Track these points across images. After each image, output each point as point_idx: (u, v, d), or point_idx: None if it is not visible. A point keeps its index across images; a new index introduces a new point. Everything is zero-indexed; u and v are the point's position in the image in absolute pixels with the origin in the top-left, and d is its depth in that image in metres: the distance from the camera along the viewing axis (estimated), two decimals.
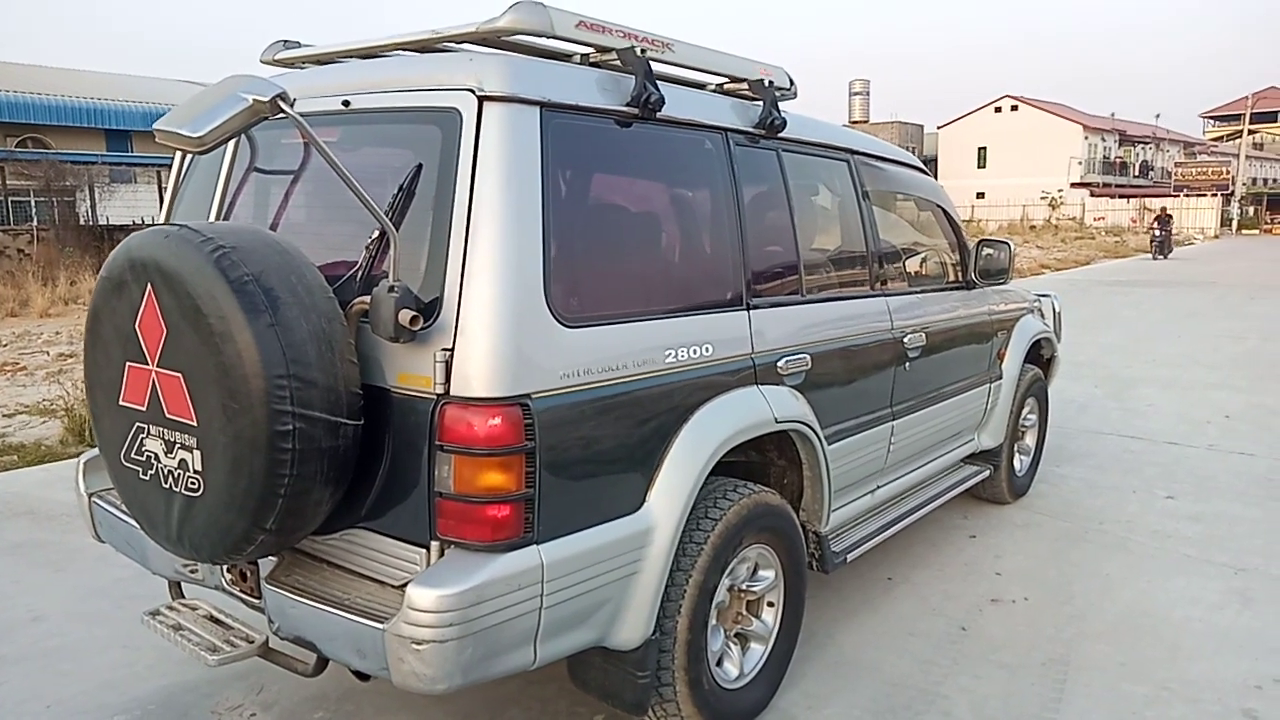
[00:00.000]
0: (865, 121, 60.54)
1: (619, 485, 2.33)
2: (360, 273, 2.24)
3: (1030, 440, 5.21)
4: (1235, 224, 48.64)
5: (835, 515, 3.33)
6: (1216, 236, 43.61)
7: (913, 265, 4.04)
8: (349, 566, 2.29)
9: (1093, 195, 50.05)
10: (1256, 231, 49.03)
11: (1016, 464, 5.03)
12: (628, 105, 2.46)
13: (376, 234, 2.20)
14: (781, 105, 3.21)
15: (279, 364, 1.92)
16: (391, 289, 2.01)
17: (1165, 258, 27.59)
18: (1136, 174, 59.88)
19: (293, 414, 1.94)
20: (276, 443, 1.93)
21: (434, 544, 2.09)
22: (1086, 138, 54.81)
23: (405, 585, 2.01)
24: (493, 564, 2.03)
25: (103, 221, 22.31)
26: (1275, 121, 74.02)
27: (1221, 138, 72.01)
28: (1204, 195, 47.19)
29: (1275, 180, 64.87)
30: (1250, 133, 55.34)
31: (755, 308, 2.83)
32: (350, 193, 2.00)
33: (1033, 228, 43.31)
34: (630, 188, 2.66)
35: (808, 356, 3.00)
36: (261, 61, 2.97)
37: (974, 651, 3.40)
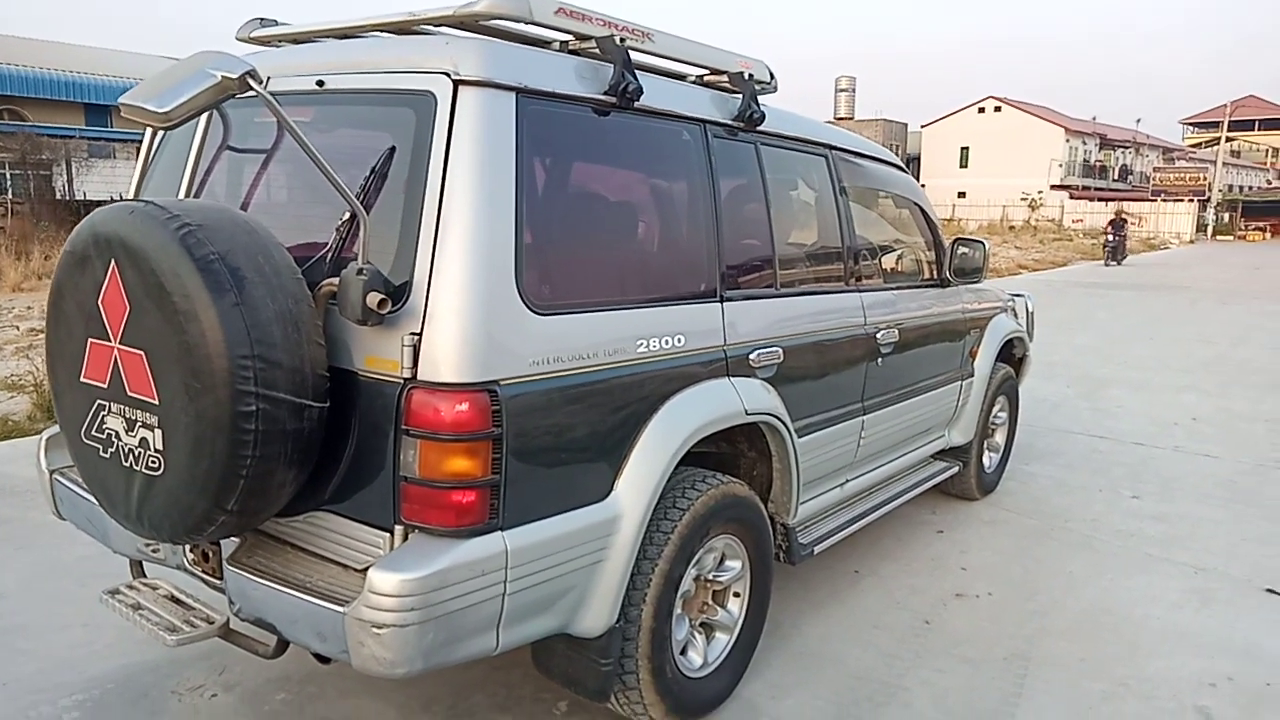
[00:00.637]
0: (850, 118, 60.63)
1: (587, 473, 2.34)
2: (330, 254, 2.22)
3: (1000, 438, 5.26)
4: (1211, 230, 49.24)
5: (804, 508, 3.35)
6: (1192, 241, 44.13)
7: (888, 262, 4.06)
8: (313, 549, 2.28)
9: (1072, 197, 50.46)
10: (1231, 238, 49.65)
11: (986, 461, 5.08)
12: (605, 94, 2.45)
13: (347, 216, 2.18)
14: (762, 99, 3.23)
15: (243, 344, 1.90)
16: (360, 271, 1.99)
17: (1119, 264, 25.69)
18: (1116, 178, 60.42)
19: (256, 395, 1.92)
20: (239, 423, 1.92)
21: (398, 528, 2.08)
22: (1068, 140, 55.22)
23: (368, 569, 2.01)
24: (456, 549, 2.03)
25: (80, 196, 21.98)
26: (1253, 130, 74.97)
27: (1200, 144, 72.80)
28: (1181, 200, 47.71)
29: (1251, 188, 65.59)
30: (1228, 140, 56.01)
31: (729, 300, 2.84)
32: (321, 174, 1.98)
33: (1012, 228, 43.64)
34: (606, 176, 2.65)
35: (780, 350, 3.01)
36: (237, 39, 2.94)
37: (937, 645, 3.43)
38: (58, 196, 21.39)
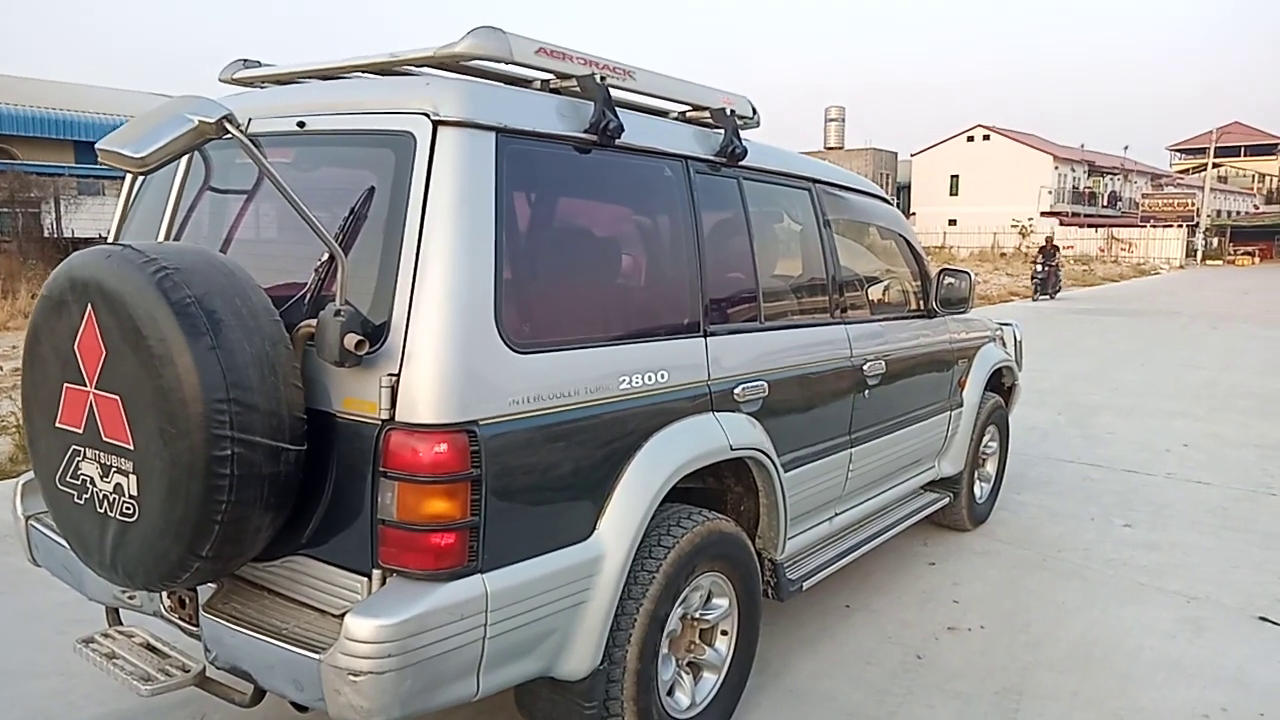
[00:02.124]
0: (840, 148, 61.09)
1: (568, 513, 2.32)
2: (309, 295, 2.21)
3: (991, 468, 5.25)
4: (1200, 254, 49.60)
5: (791, 543, 3.32)
6: (1182, 267, 44.43)
7: (874, 293, 4.07)
8: (290, 594, 2.24)
9: (1062, 224, 50.82)
10: (1220, 262, 50.01)
11: (977, 491, 5.07)
12: (586, 131, 2.46)
13: (326, 256, 2.18)
14: (745, 134, 3.25)
15: (219, 388, 1.89)
16: (338, 313, 1.98)
17: (1051, 297, 22.47)
18: (1105, 204, 60.90)
19: (232, 439, 1.90)
20: (214, 468, 1.90)
21: (376, 572, 2.05)
22: (1056, 167, 55.74)
23: (345, 614, 1.98)
24: (435, 593, 2.00)
25: (68, 234, 21.97)
26: (1239, 156, 75.84)
27: (1187, 170, 73.56)
28: (1170, 226, 48.09)
29: (1239, 213, 66.23)
30: (1215, 166, 56.60)
31: (713, 334, 2.83)
32: (298, 215, 1.98)
33: (1003, 255, 43.95)
34: (587, 214, 2.66)
35: (765, 384, 3.00)
36: (220, 80, 2.95)
37: (929, 681, 3.40)
38: (45, 234, 21.34)
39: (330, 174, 2.40)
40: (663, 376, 2.59)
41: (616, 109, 2.51)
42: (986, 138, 57.65)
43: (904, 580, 4.36)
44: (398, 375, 2.01)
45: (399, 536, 2.02)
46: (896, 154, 61.62)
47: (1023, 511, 5.46)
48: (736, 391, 2.88)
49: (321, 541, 2.16)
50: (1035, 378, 10.13)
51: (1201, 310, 20.37)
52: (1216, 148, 55.32)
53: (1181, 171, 74.23)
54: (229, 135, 1.96)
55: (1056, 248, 22.95)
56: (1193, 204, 52.02)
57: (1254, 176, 77.59)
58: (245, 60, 2.93)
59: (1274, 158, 74.88)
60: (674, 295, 2.76)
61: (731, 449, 2.78)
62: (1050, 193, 54.81)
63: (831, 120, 62.95)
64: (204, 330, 1.90)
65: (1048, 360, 11.69)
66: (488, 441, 2.06)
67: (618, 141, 2.54)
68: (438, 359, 2.01)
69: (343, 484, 2.11)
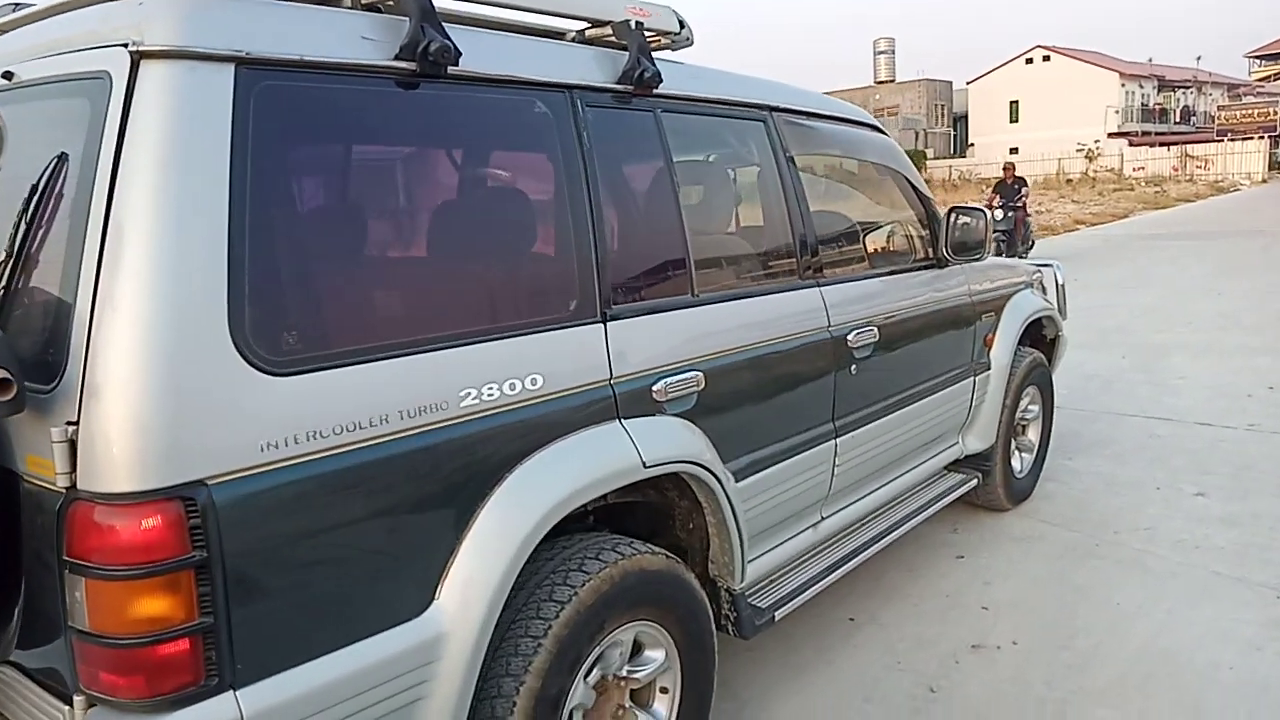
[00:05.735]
0: (891, 81, 58.70)
1: (382, 585, 1.70)
2: None
3: (1033, 435, 4.48)
4: None
5: (760, 563, 2.68)
6: (1264, 181, 41.65)
7: (860, 245, 3.33)
8: (7, 715, 1.68)
9: (1131, 145, 48.06)
10: None
11: (1016, 464, 4.32)
12: (400, 58, 1.81)
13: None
14: (678, 54, 2.57)
15: None
16: None
17: (1023, 255, 13.66)
18: (1178, 120, 57.48)
19: None
20: None
21: (78, 699, 1.46)
22: (1123, 85, 52.58)
23: None
24: None
25: None
26: None
27: (1268, 78, 68.81)
28: (1250, 139, 45.08)
29: None
30: None
31: (617, 318, 2.17)
32: None
33: (1069, 181, 41.69)
34: (402, 171, 2.01)
35: (699, 374, 2.33)
36: None
37: None
38: None
39: (31, 137, 1.77)
40: (534, 382, 1.94)
41: (443, 26, 1.85)
42: (1047, 59, 54.62)
43: (924, 581, 3.66)
44: (77, 423, 1.40)
45: (97, 652, 1.42)
46: (951, 83, 58.98)
47: (1075, 482, 4.69)
48: (656, 388, 2.22)
49: (28, 647, 1.59)
50: (1098, 315, 9.22)
51: None
52: None
53: (1261, 79, 69.49)
54: None
55: (1021, 180, 14.68)
56: (1275, 113, 48.67)
57: None
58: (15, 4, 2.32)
59: None
60: (552, 271, 2.10)
61: (646, 466, 2.13)
62: (1117, 112, 51.84)
63: (881, 53, 60.46)
64: None
65: (1112, 294, 10.70)
66: (223, 509, 1.44)
67: (452, 70, 1.88)
68: (131, 395, 1.39)
69: (34, 574, 1.52)
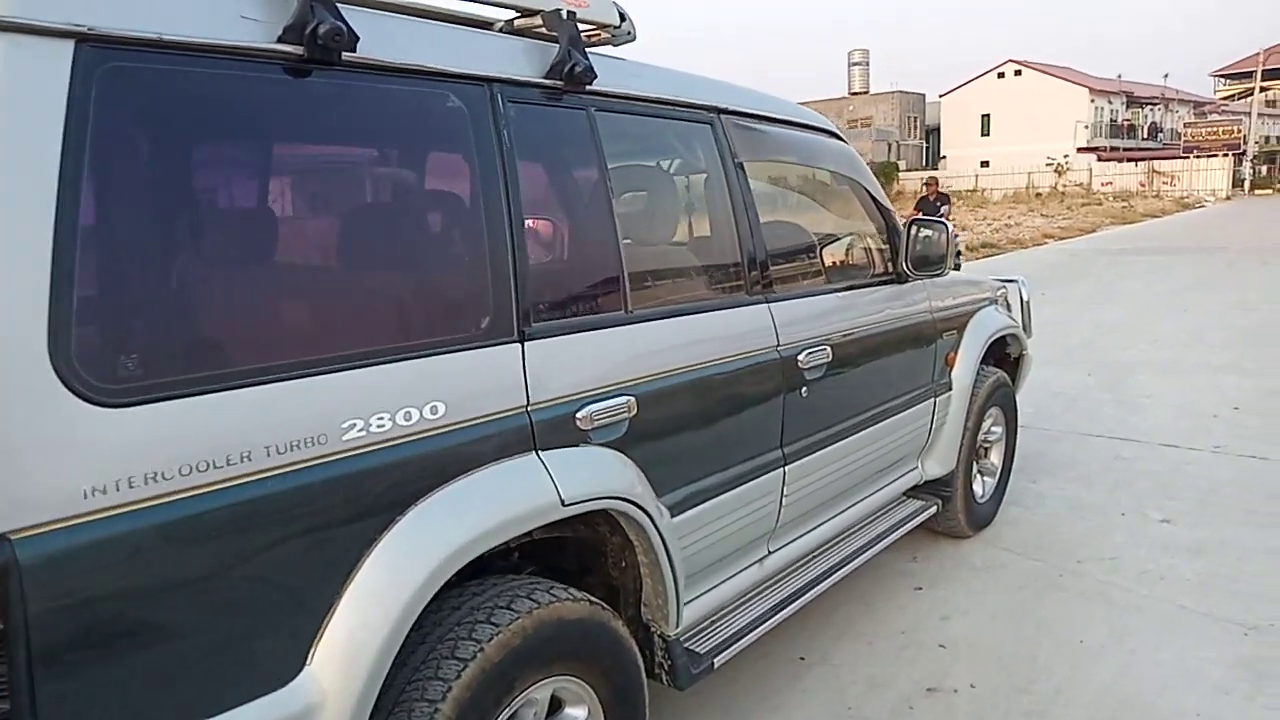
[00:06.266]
0: (865, 92, 58.99)
1: (238, 653, 1.46)
2: None
3: (995, 458, 4.31)
4: (1248, 184, 47.22)
5: (694, 607, 2.46)
6: (1228, 198, 42.26)
7: (814, 259, 3.14)
8: None
9: (1100, 160, 48.59)
10: (1270, 191, 47.57)
11: (978, 489, 4.15)
12: (284, 41, 1.58)
13: None
14: (619, 50, 2.37)
15: None
16: None
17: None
18: (1145, 136, 58.22)
19: None
20: None
21: None
22: (1093, 101, 53.18)
23: None
24: None
25: None
26: None
27: (1232, 96, 69.94)
28: (1215, 156, 45.76)
29: None
30: (1262, 90, 53.62)
31: (535, 337, 1.95)
32: None
33: (1039, 195, 42.10)
34: (278, 171, 1.78)
35: (631, 399, 2.12)
36: None
37: None
38: None
39: None
40: (433, 411, 1.72)
41: (337, 7, 1.63)
42: (1018, 73, 55.17)
43: (880, 615, 3.47)
44: None
45: None
46: (924, 96, 59.41)
47: (1039, 506, 4.53)
48: (580, 416, 2.01)
49: None
50: (1063, 331, 9.14)
51: (1250, 244, 18.91)
52: (1264, 70, 52.33)
53: (1226, 98, 70.64)
54: None
55: (944, 196, 14.00)
56: (1239, 131, 49.44)
57: None
58: None
59: None
60: (461, 285, 1.88)
61: (565, 504, 1.92)
62: (1086, 127, 52.42)
63: (855, 64, 60.72)
64: None
65: (1078, 309, 10.64)
66: (28, 568, 1.21)
67: (348, 57, 1.66)
68: None
69: None
